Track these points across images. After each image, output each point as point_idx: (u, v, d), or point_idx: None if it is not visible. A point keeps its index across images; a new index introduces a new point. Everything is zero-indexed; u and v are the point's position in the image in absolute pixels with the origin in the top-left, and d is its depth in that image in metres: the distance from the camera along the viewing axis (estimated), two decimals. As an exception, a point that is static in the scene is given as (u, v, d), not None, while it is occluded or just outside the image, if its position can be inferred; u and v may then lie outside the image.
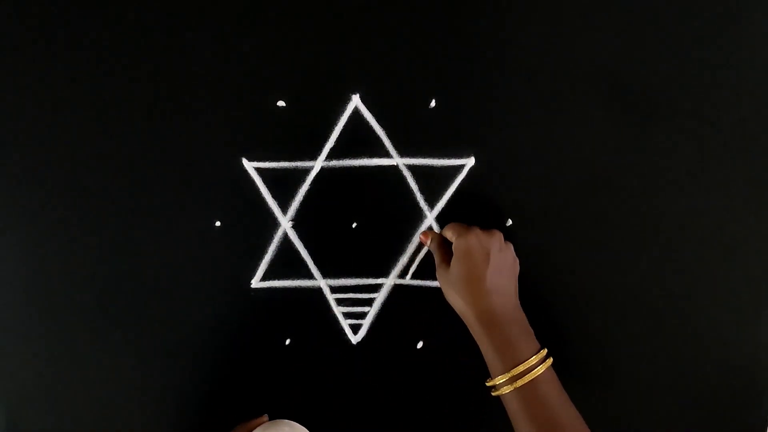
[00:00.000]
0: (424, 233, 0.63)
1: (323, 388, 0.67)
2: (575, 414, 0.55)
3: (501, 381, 0.54)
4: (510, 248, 0.61)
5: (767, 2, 0.60)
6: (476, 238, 0.58)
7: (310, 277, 0.65)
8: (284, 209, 0.64)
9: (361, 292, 0.65)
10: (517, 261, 0.61)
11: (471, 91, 0.62)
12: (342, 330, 0.66)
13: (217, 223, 0.64)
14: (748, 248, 0.64)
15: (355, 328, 0.66)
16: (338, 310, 0.66)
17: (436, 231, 0.64)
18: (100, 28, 0.60)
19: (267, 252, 0.64)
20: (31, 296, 0.65)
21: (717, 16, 0.60)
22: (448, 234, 0.61)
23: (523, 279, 0.64)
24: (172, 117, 0.62)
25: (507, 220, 0.64)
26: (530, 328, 0.58)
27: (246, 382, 0.66)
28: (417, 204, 0.64)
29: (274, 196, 0.64)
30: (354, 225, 0.64)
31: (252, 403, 0.67)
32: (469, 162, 0.63)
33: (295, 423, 0.61)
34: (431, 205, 0.64)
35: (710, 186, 0.63)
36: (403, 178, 0.63)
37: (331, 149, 0.63)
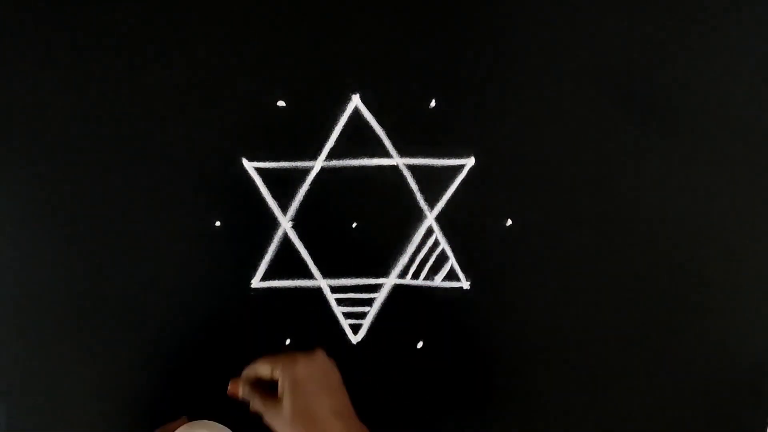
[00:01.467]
0: (231, 385, 0.56)
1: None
2: None
3: None
4: (318, 360, 0.55)
5: (767, 2, 0.60)
6: (307, 366, 0.53)
7: (310, 277, 0.65)
8: (284, 209, 0.64)
9: (361, 292, 0.65)
10: (331, 365, 0.56)
11: (471, 91, 0.62)
12: (342, 330, 0.66)
13: (217, 223, 0.64)
14: (749, 248, 0.64)
15: (355, 328, 0.66)
16: (338, 310, 0.66)
17: (432, 233, 0.64)
18: (100, 28, 0.60)
19: (267, 252, 0.64)
20: (30, 296, 0.65)
21: (717, 16, 0.60)
22: (264, 371, 0.55)
23: (523, 279, 0.65)
24: (172, 117, 0.62)
25: (507, 220, 0.64)
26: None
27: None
28: (417, 204, 0.64)
29: (274, 196, 0.64)
30: (354, 225, 0.64)
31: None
32: (469, 162, 0.63)
33: (214, 423, 0.61)
34: (431, 205, 0.64)
35: (710, 186, 0.63)
36: (403, 178, 0.63)
37: (331, 149, 0.63)
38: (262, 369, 0.55)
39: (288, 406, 0.51)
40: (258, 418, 0.54)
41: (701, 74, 0.61)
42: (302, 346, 0.66)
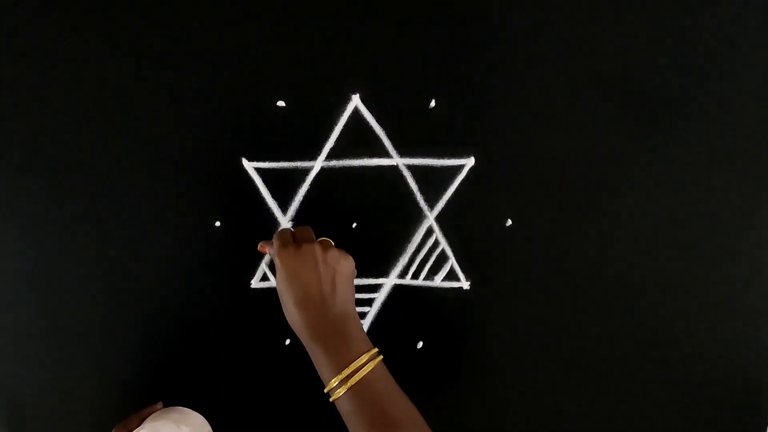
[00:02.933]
0: (261, 246, 0.61)
1: (323, 387, 0.67)
2: (409, 409, 0.53)
3: (334, 384, 0.52)
4: (335, 255, 0.57)
5: (767, 2, 0.60)
6: (287, 255, 0.56)
7: (310, 277, 0.65)
8: (284, 209, 0.64)
9: (361, 292, 0.65)
10: (350, 261, 0.58)
11: (471, 91, 0.62)
12: (342, 330, 0.66)
13: (217, 223, 0.64)
14: (748, 248, 0.64)
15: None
16: (338, 310, 0.65)
17: (432, 233, 0.64)
18: (100, 28, 0.60)
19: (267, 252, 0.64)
20: (31, 296, 0.65)
21: (717, 16, 0.60)
22: (272, 248, 0.58)
23: (522, 279, 0.64)
24: (173, 117, 0.62)
25: (507, 220, 0.64)
26: (362, 330, 0.56)
27: (246, 382, 0.66)
28: (417, 204, 0.64)
29: (274, 196, 0.64)
30: (354, 225, 0.64)
31: (252, 403, 0.67)
32: (469, 162, 0.63)
33: (187, 409, 0.61)
34: (431, 205, 0.64)
35: (710, 186, 0.63)
36: (403, 178, 0.63)
37: (331, 149, 0.63)
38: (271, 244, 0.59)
39: (278, 286, 0.56)
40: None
41: (701, 75, 0.61)
42: (302, 347, 0.66)
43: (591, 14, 0.60)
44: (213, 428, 0.62)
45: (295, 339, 0.66)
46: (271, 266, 0.65)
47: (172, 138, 0.62)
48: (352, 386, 0.52)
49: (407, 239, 0.65)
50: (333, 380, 0.52)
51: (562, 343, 0.66)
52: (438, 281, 0.65)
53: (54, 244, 0.64)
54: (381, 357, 0.54)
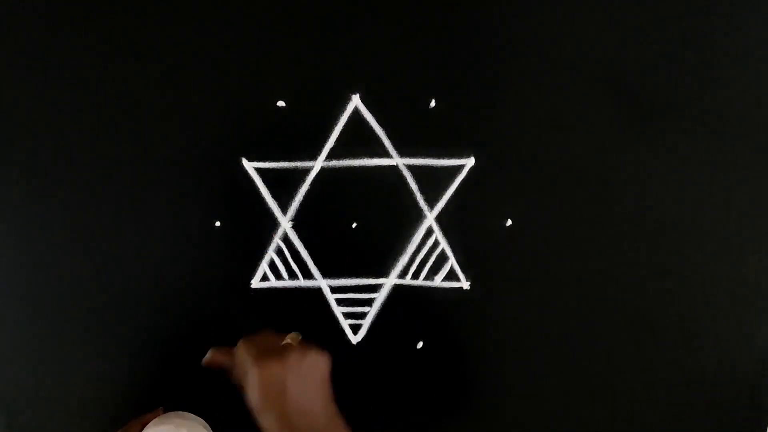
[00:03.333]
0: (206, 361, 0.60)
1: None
2: None
3: None
4: (307, 356, 0.56)
5: (767, 2, 0.60)
6: (268, 374, 0.54)
7: (310, 277, 0.65)
8: (284, 209, 0.64)
9: (361, 292, 0.65)
10: (323, 359, 0.56)
11: (471, 91, 0.62)
12: (342, 330, 0.66)
13: (217, 223, 0.64)
14: (748, 248, 0.64)
15: (355, 328, 0.66)
16: (338, 310, 0.66)
17: (431, 233, 0.64)
18: (99, 28, 0.60)
19: (267, 252, 0.64)
20: (30, 296, 0.65)
21: (717, 16, 0.60)
22: (240, 362, 0.57)
23: (522, 279, 0.64)
24: (172, 117, 0.62)
25: (507, 220, 0.64)
26: (340, 424, 0.55)
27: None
28: (417, 204, 0.64)
29: (274, 196, 0.64)
30: (354, 225, 0.64)
31: (252, 403, 0.67)
32: (469, 162, 0.63)
33: (188, 414, 0.61)
34: (431, 205, 0.64)
35: (710, 186, 0.63)
36: (403, 178, 0.63)
37: (331, 149, 0.63)
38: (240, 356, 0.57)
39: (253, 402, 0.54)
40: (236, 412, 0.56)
41: (701, 75, 0.61)
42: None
43: (591, 14, 0.60)
44: (213, 431, 0.62)
45: (295, 339, 0.66)
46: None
47: (172, 138, 0.62)
48: None
49: (407, 239, 0.65)
50: None
51: (562, 343, 0.66)
52: (438, 281, 0.65)
53: (53, 244, 0.64)
54: None
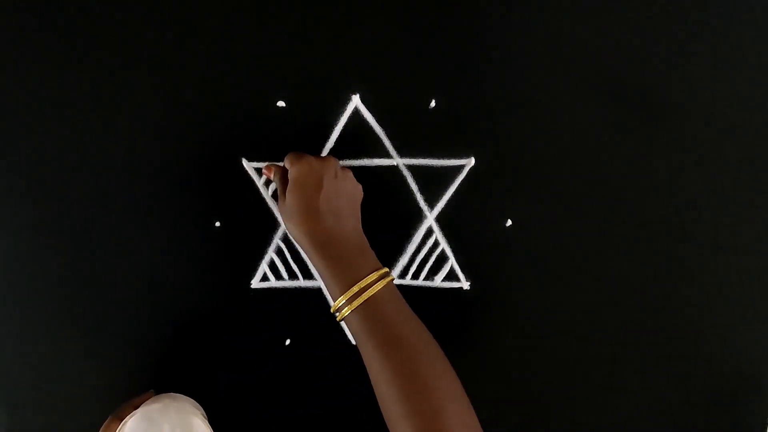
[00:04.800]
0: (267, 167, 0.61)
1: (323, 388, 0.67)
2: (419, 328, 0.53)
3: (341, 302, 0.52)
4: (348, 175, 0.59)
5: (767, 2, 0.60)
6: (308, 165, 0.56)
7: (310, 277, 0.65)
8: (284, 209, 0.64)
9: (361, 292, 0.65)
10: (359, 187, 0.59)
11: (471, 91, 0.62)
12: (342, 330, 0.66)
13: (217, 223, 0.64)
14: (748, 248, 0.64)
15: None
16: (338, 310, 0.66)
17: (431, 233, 0.64)
18: (100, 28, 0.60)
19: (267, 252, 0.64)
20: (30, 296, 0.65)
21: (717, 16, 0.60)
22: (287, 164, 0.59)
23: (522, 279, 0.64)
24: (172, 117, 0.62)
25: (507, 220, 0.64)
26: (370, 250, 0.56)
27: (246, 382, 0.66)
28: (417, 204, 0.64)
29: (274, 196, 0.64)
30: (354, 225, 0.64)
31: (252, 404, 0.67)
32: (469, 162, 0.63)
33: (179, 395, 0.61)
34: (431, 205, 0.64)
35: (710, 186, 0.63)
36: (403, 178, 0.63)
37: (331, 149, 0.63)
38: (286, 163, 0.58)
39: (289, 199, 0.56)
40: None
41: (701, 75, 0.61)
42: (302, 347, 0.66)
43: (591, 14, 0.60)
44: (213, 429, 0.62)
45: (295, 339, 0.66)
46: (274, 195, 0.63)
47: (172, 138, 0.62)
48: (360, 304, 0.51)
49: (407, 239, 0.65)
50: (340, 298, 0.52)
51: (562, 343, 0.66)
52: (438, 281, 0.65)
53: (53, 244, 0.64)
54: (391, 277, 0.54)
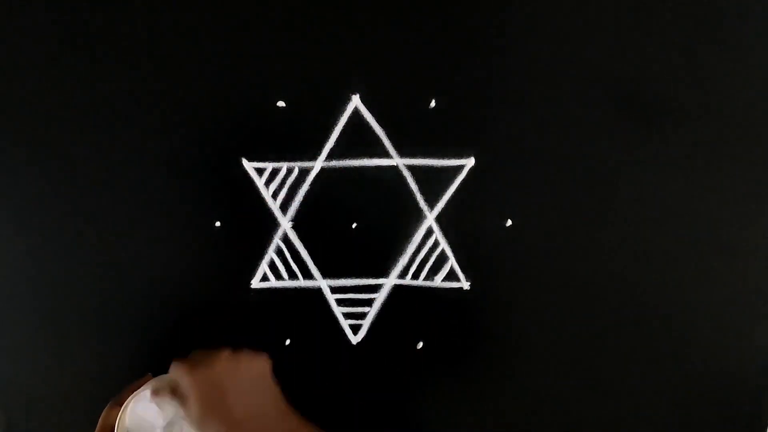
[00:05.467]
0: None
1: (323, 388, 0.67)
2: None
3: None
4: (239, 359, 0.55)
5: (767, 2, 0.60)
6: (190, 379, 0.52)
7: (310, 277, 0.65)
8: (284, 209, 0.64)
9: (361, 292, 0.65)
10: (254, 361, 0.56)
11: (471, 91, 0.62)
12: (342, 330, 0.66)
13: (217, 224, 0.64)
14: (748, 249, 0.64)
15: (355, 328, 0.66)
16: (338, 310, 0.66)
17: (431, 233, 0.64)
18: (100, 28, 0.60)
19: (267, 252, 0.64)
20: (30, 296, 0.65)
21: (717, 16, 0.60)
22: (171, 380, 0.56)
23: (523, 279, 0.64)
24: (173, 117, 0.62)
25: (507, 220, 0.64)
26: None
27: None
28: (417, 204, 0.64)
29: (274, 196, 0.64)
30: (354, 225, 0.64)
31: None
32: (469, 162, 0.63)
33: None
34: (431, 205, 0.64)
35: (710, 186, 0.63)
36: (403, 178, 0.63)
37: (331, 149, 0.63)
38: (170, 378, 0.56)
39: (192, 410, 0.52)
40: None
41: (701, 75, 0.61)
42: (302, 347, 0.66)
43: (591, 14, 0.60)
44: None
45: (295, 339, 0.66)
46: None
47: (172, 138, 0.62)
48: None
49: (407, 239, 0.65)
50: None
51: (562, 343, 0.66)
52: (438, 281, 0.65)
53: (53, 244, 0.64)
54: None
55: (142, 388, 0.59)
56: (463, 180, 0.63)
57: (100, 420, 0.58)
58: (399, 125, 0.62)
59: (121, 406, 0.57)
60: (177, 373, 0.55)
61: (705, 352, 0.65)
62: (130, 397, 0.57)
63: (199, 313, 0.65)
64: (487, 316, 0.66)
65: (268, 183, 0.63)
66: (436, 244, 0.65)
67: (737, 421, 0.67)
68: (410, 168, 0.63)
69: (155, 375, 0.63)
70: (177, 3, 0.60)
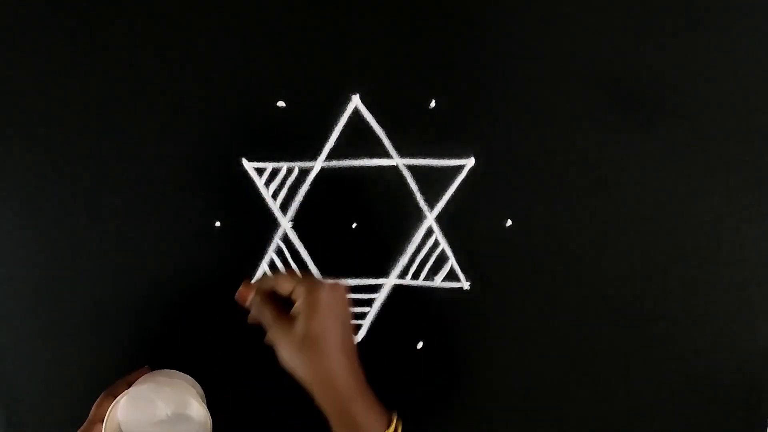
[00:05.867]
0: (243, 289, 0.54)
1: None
2: None
3: None
4: (338, 292, 0.53)
5: (767, 2, 0.60)
6: (339, 293, 0.51)
7: (310, 277, 0.65)
8: (284, 209, 0.64)
9: (361, 292, 0.65)
10: (348, 304, 0.54)
11: (471, 91, 0.62)
12: (342, 330, 0.66)
13: (217, 224, 0.64)
14: (748, 248, 0.64)
15: (355, 329, 0.66)
16: (338, 310, 0.65)
17: (432, 233, 0.64)
18: (100, 28, 0.61)
19: (267, 252, 0.64)
20: (31, 296, 0.65)
21: (717, 16, 0.60)
22: (284, 286, 0.53)
23: (522, 279, 0.64)
24: (173, 117, 0.62)
25: (507, 220, 0.64)
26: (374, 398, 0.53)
27: (246, 383, 0.66)
28: (417, 204, 0.64)
29: (274, 196, 0.64)
30: (354, 225, 0.64)
31: (253, 403, 0.67)
32: (469, 162, 0.63)
33: (175, 371, 0.61)
34: (431, 205, 0.64)
35: (709, 186, 0.63)
36: (403, 178, 0.63)
37: (331, 149, 0.63)
38: (282, 284, 0.52)
39: (301, 329, 0.50)
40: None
41: (701, 75, 0.61)
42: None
43: (591, 14, 0.60)
44: (214, 429, 0.62)
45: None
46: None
47: (172, 138, 0.62)
48: None
49: (407, 239, 0.65)
50: None
51: (562, 343, 0.66)
52: (438, 281, 0.65)
53: (53, 243, 0.64)
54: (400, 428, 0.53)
55: (137, 382, 0.58)
56: (463, 180, 0.63)
57: (92, 409, 0.57)
58: (399, 125, 0.62)
59: (114, 397, 0.57)
60: (287, 285, 0.52)
61: (705, 352, 0.65)
62: (123, 393, 0.57)
63: (199, 313, 0.65)
64: (487, 316, 0.66)
65: (268, 183, 0.63)
66: (436, 244, 0.65)
67: (737, 421, 0.67)
68: (410, 168, 0.63)
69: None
70: (178, 3, 0.60)
